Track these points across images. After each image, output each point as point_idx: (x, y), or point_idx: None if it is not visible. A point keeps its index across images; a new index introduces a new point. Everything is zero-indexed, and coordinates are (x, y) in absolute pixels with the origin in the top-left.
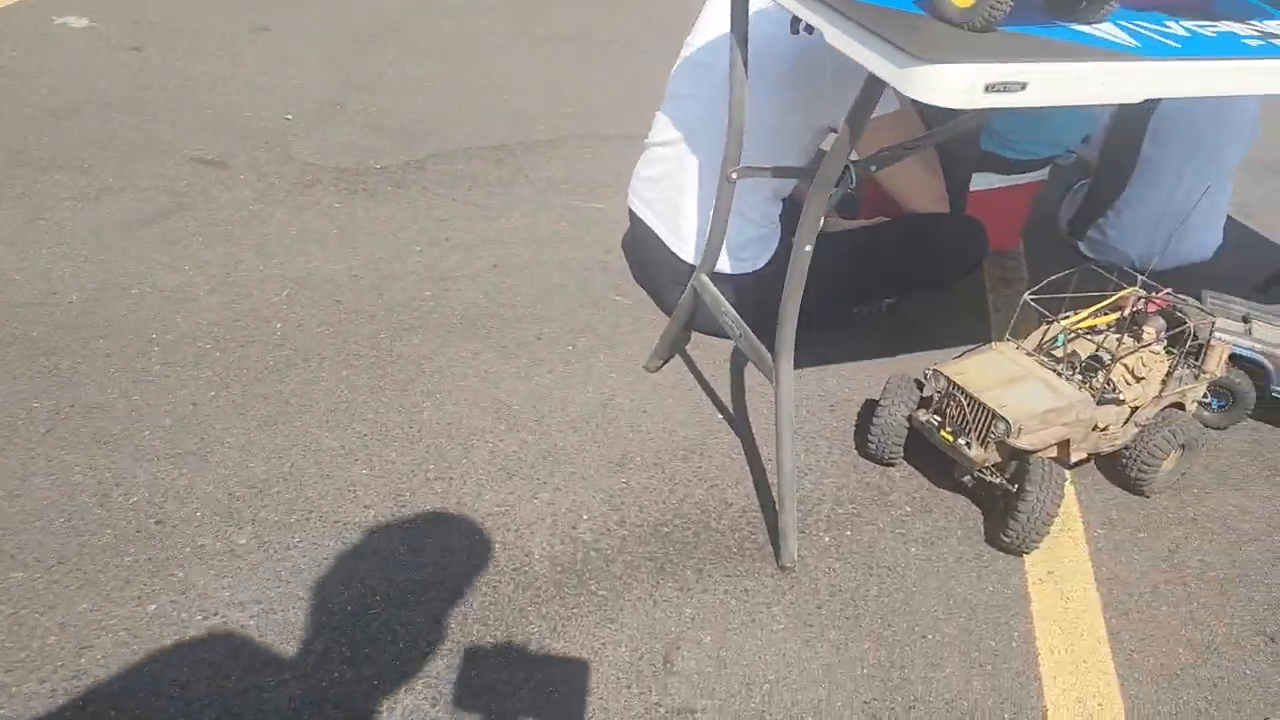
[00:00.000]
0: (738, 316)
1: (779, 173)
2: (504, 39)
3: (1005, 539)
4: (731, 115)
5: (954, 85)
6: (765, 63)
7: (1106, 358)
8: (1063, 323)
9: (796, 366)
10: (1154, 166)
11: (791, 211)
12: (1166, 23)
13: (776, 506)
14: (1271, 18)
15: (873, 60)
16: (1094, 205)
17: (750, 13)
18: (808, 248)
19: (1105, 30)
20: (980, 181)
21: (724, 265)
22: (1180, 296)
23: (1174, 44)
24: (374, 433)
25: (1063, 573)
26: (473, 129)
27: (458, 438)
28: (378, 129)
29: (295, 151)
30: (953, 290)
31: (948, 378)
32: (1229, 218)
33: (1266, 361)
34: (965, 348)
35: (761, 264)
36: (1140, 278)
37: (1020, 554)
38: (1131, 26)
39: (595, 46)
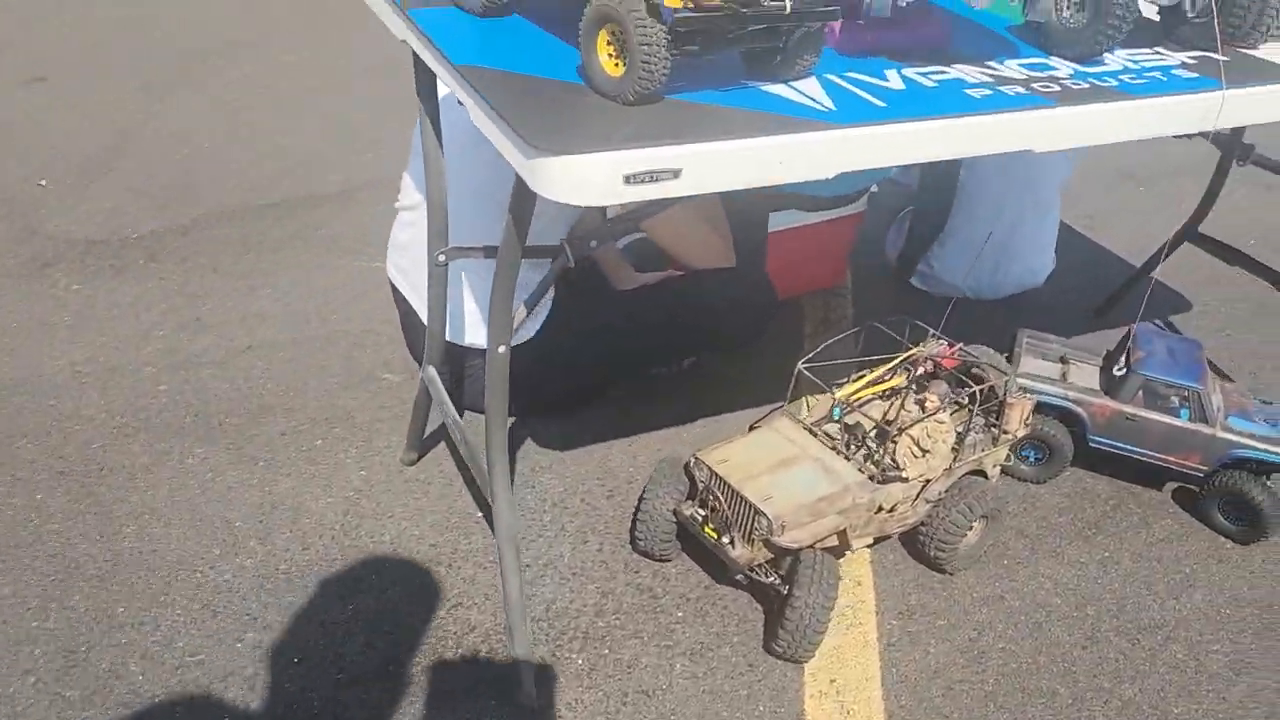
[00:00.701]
0: (458, 419)
1: (491, 253)
2: (307, 77)
3: (777, 648)
4: (429, 192)
5: (586, 180)
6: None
7: (890, 430)
8: (838, 394)
9: (576, 445)
10: (973, 196)
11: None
12: (885, 72)
13: (505, 637)
14: (1016, 55)
15: (505, 147)
16: (919, 237)
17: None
18: (501, 349)
19: (804, 90)
20: (789, 220)
21: (484, 339)
22: (975, 351)
23: (878, 103)
24: (58, 571)
25: (847, 681)
26: (255, 183)
27: (160, 570)
28: (143, 191)
29: (40, 224)
30: (767, 336)
31: (709, 467)
32: (1073, 231)
33: (1081, 410)
34: (771, 407)
35: (533, 331)
36: (931, 332)
37: (797, 663)
38: (838, 82)
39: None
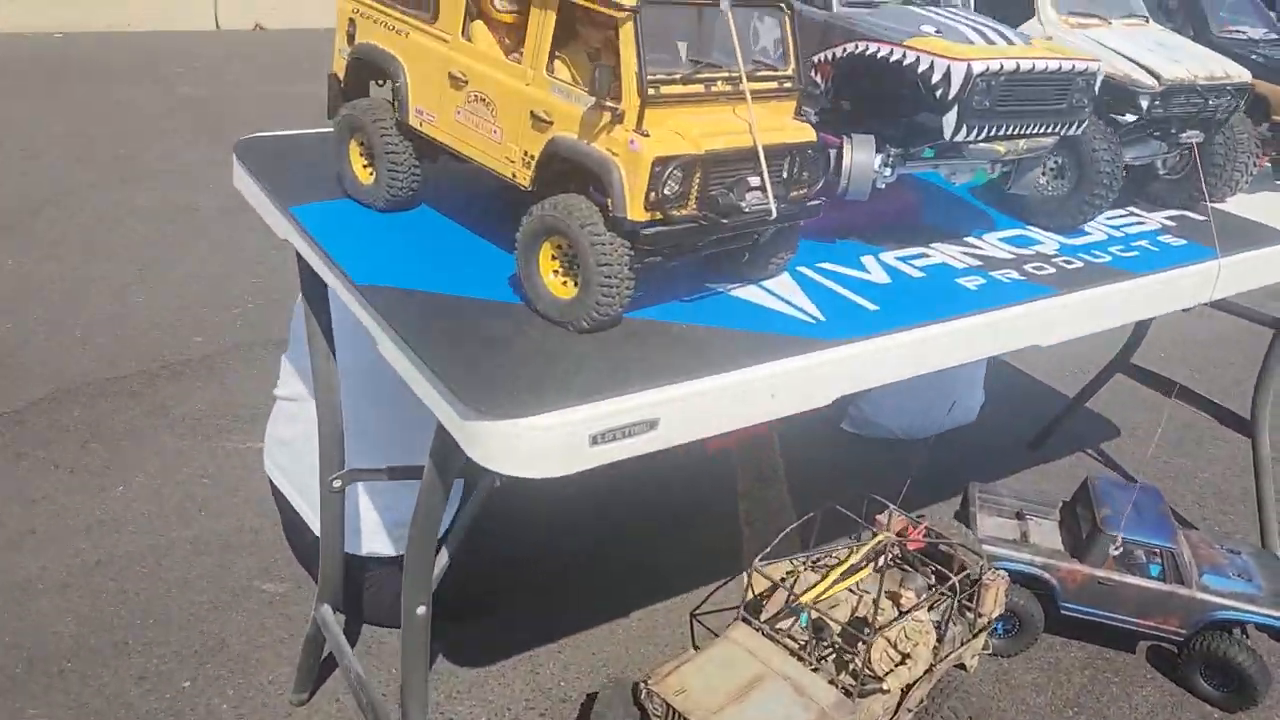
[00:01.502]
0: (361, 673)
1: (396, 474)
2: (168, 214)
3: None
4: (320, 411)
5: (542, 448)
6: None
7: (864, 631)
8: (805, 597)
9: (499, 655)
10: None
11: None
12: (863, 260)
13: None
14: (994, 228)
15: (433, 400)
16: None
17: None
18: (421, 609)
19: (782, 294)
20: None
21: (384, 546)
22: (940, 530)
23: (868, 305)
24: None
25: None
26: (100, 353)
27: None
28: None
29: None
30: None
31: (665, 700)
32: (1001, 363)
33: (1051, 577)
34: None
35: (441, 531)
36: (891, 508)
37: None
38: (816, 279)
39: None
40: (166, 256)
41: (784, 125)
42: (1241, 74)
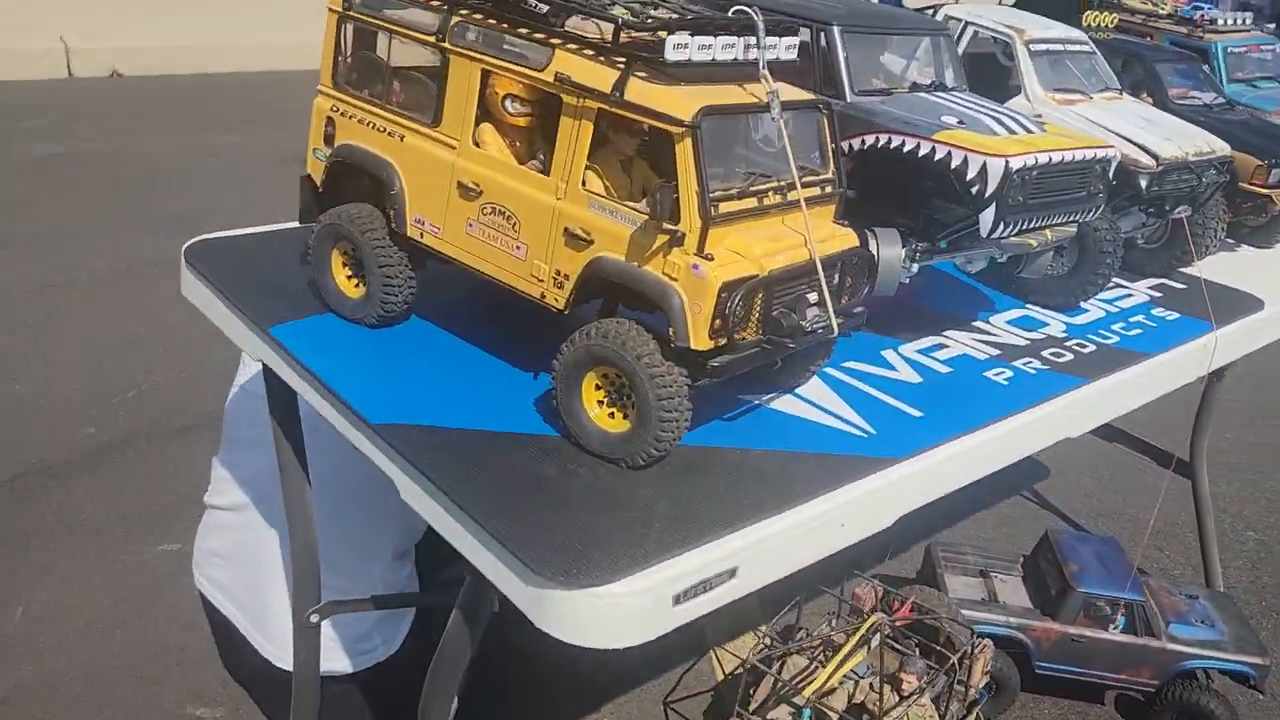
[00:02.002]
0: None
1: (381, 603)
2: (43, 288)
3: None
4: (293, 537)
5: (624, 617)
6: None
7: None
8: (805, 691)
9: None
10: None
11: (432, 562)
12: (884, 355)
13: None
14: (994, 309)
15: (489, 565)
16: None
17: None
18: None
19: (822, 404)
20: None
21: (340, 664)
22: (922, 601)
23: (911, 411)
24: None
25: None
26: None
27: None
28: None
29: None
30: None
31: None
32: None
33: (1025, 637)
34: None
35: (395, 647)
36: (874, 583)
37: None
38: (847, 381)
39: (163, 287)
40: (45, 336)
41: (832, 232)
42: (1224, 148)
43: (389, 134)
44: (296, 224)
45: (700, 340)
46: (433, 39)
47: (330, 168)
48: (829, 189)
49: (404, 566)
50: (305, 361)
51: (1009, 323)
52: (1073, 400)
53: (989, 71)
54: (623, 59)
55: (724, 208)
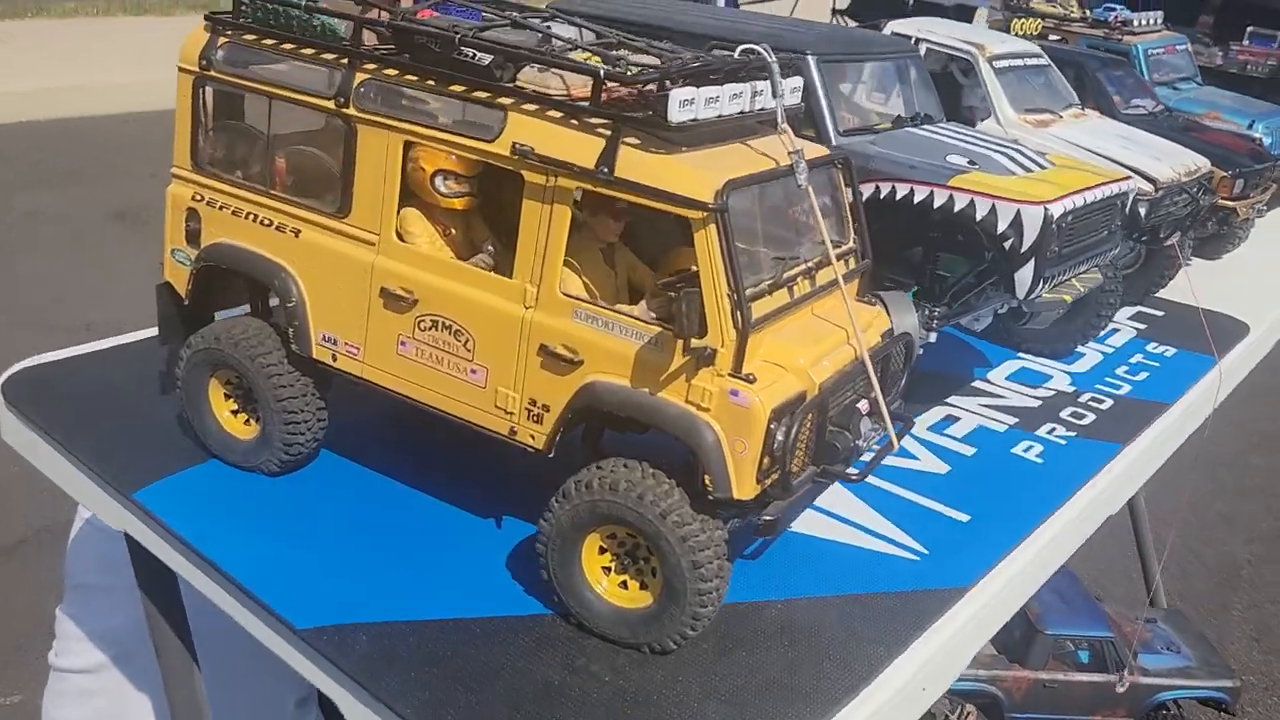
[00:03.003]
0: None
1: None
2: None
3: None
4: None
5: None
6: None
7: None
8: None
9: None
10: None
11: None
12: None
13: None
14: (991, 364)
15: None
16: None
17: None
18: None
19: (854, 515)
20: None
21: None
22: None
23: (957, 515)
24: None
25: None
26: None
27: None
28: None
29: None
30: None
31: None
32: None
33: (996, 689)
34: None
35: None
36: None
37: None
38: (874, 481)
39: None
40: None
41: (868, 319)
42: (1205, 164)
43: (278, 229)
44: (150, 332)
45: (747, 488)
46: (330, 103)
47: (198, 275)
48: (853, 262)
49: (307, 714)
50: (191, 540)
51: (1010, 379)
52: (1112, 473)
53: (944, 92)
54: (606, 122)
55: (757, 307)
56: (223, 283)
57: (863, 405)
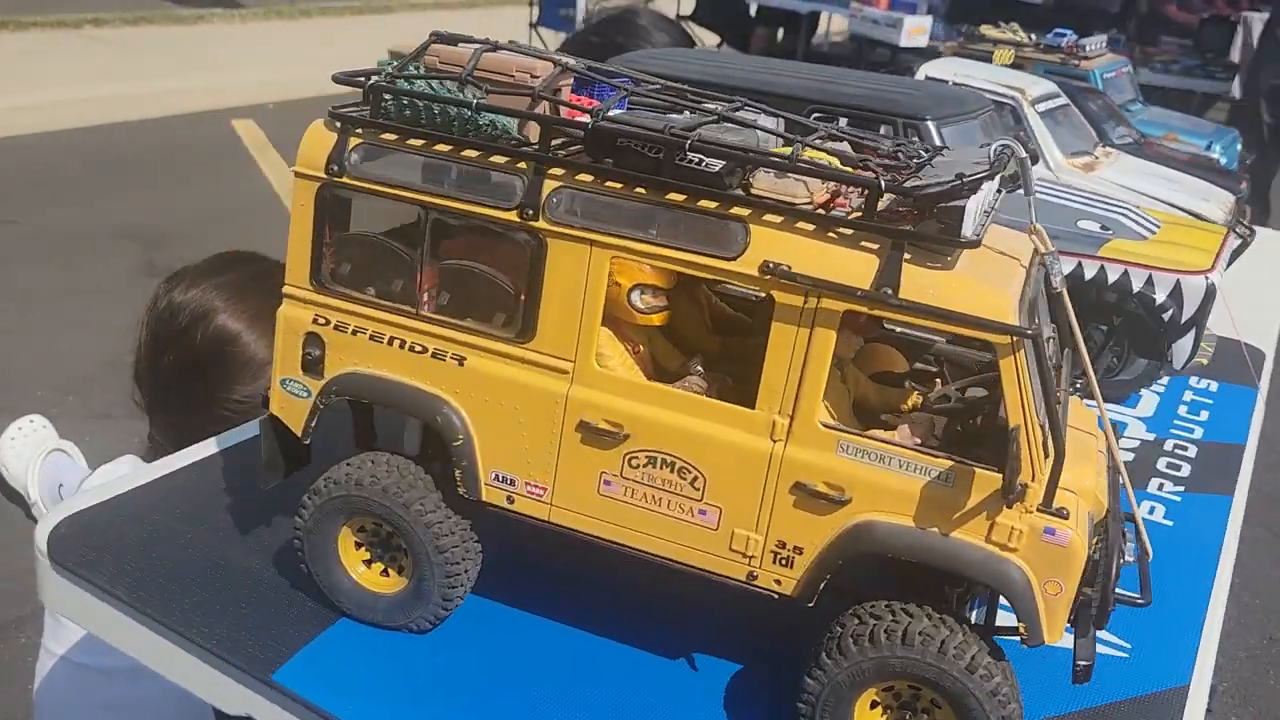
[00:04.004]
0: None
1: None
2: None
3: None
4: None
5: None
6: None
7: None
8: None
9: None
10: None
11: None
12: None
13: None
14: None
15: None
16: None
17: None
18: None
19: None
20: None
21: None
22: None
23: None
24: None
25: None
26: None
27: None
28: None
29: None
30: None
31: None
32: None
33: None
34: None
35: None
36: None
37: None
38: None
39: None
40: None
41: (1091, 418)
42: (1231, 198)
43: (434, 356)
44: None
45: (1058, 631)
46: (511, 215)
47: (323, 409)
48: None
49: None
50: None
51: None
52: (1234, 526)
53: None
54: (877, 236)
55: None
56: (363, 416)
57: (1128, 509)
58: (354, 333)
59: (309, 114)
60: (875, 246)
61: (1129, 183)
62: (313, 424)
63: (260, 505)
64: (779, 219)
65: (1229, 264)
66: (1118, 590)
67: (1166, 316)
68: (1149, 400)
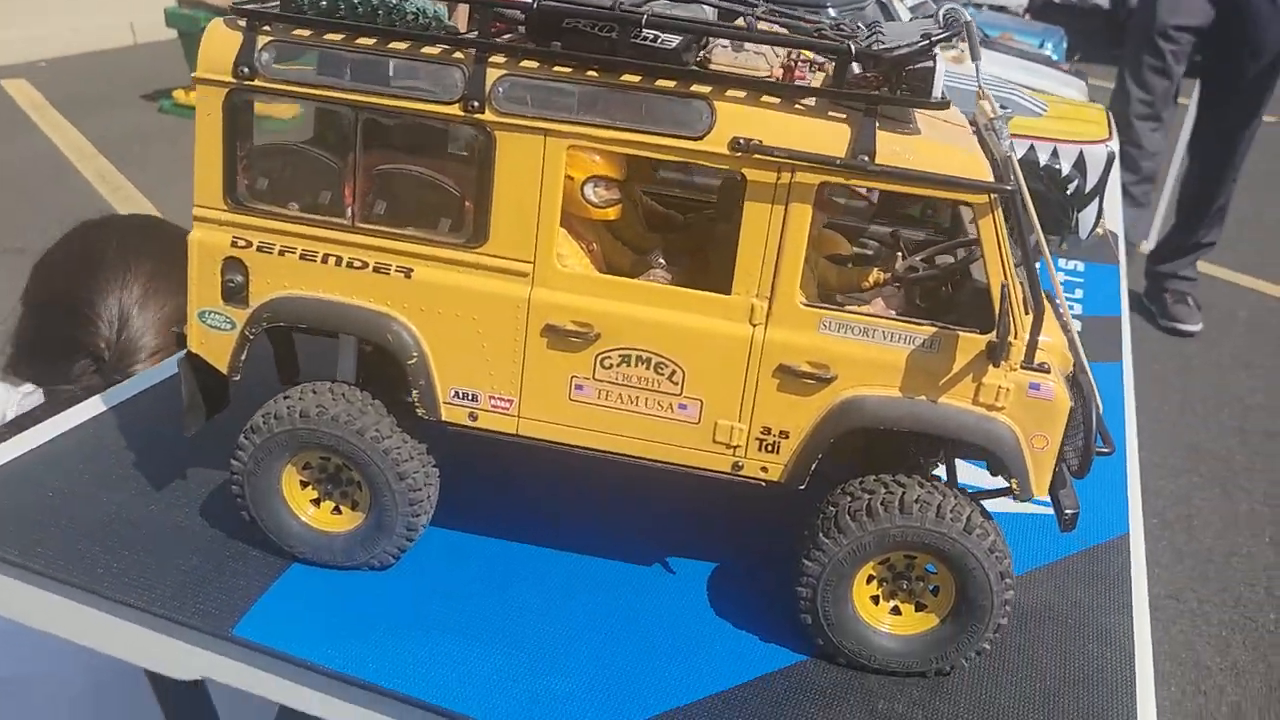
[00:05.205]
0: None
1: None
2: None
3: None
4: None
5: None
6: None
7: None
8: None
9: None
10: None
11: None
12: None
13: None
14: None
15: None
16: None
17: None
18: None
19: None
20: None
21: None
22: None
23: None
24: None
25: None
26: None
27: None
28: None
29: None
30: None
31: None
32: None
33: None
34: None
35: None
36: None
37: None
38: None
39: None
40: None
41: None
42: (1081, 84)
43: (377, 270)
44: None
45: (1045, 484)
46: (453, 109)
47: (248, 341)
48: None
49: None
50: (343, 669)
51: None
52: (1129, 386)
53: None
54: (847, 105)
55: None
56: (287, 344)
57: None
58: (281, 253)
59: (89, 70)
60: (846, 115)
61: (1000, 73)
62: (241, 358)
63: (171, 456)
64: (743, 94)
65: None
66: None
67: (1073, 187)
68: None
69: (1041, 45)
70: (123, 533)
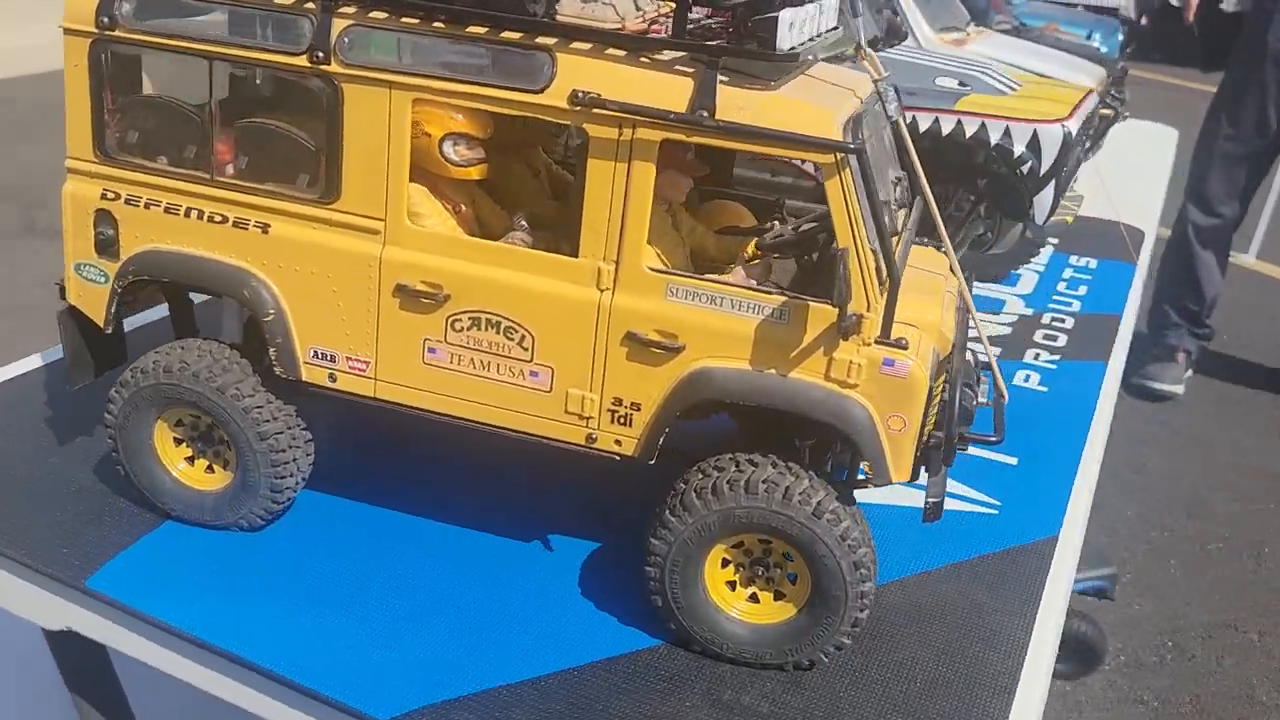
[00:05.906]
0: None
1: None
2: None
3: None
4: None
5: None
6: None
7: None
8: None
9: None
10: None
11: None
12: None
13: None
14: None
15: None
16: None
17: None
18: None
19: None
20: None
21: None
22: None
23: (1006, 460)
24: None
25: None
26: None
27: None
28: None
29: None
30: None
31: None
32: None
33: None
34: None
35: None
36: None
37: None
38: None
39: None
40: None
41: (940, 261)
42: (1103, 72)
43: (236, 225)
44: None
45: (905, 470)
46: (300, 59)
47: (122, 292)
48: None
49: None
50: (190, 629)
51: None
52: (1109, 389)
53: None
54: (691, 57)
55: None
56: (160, 297)
57: (984, 357)
58: (147, 206)
59: None
60: (690, 70)
61: (997, 54)
62: (113, 311)
63: (85, 411)
64: (587, 46)
65: (1101, 136)
66: (971, 431)
67: (1026, 169)
68: (1029, 278)
69: (1089, 37)
70: (7, 484)
